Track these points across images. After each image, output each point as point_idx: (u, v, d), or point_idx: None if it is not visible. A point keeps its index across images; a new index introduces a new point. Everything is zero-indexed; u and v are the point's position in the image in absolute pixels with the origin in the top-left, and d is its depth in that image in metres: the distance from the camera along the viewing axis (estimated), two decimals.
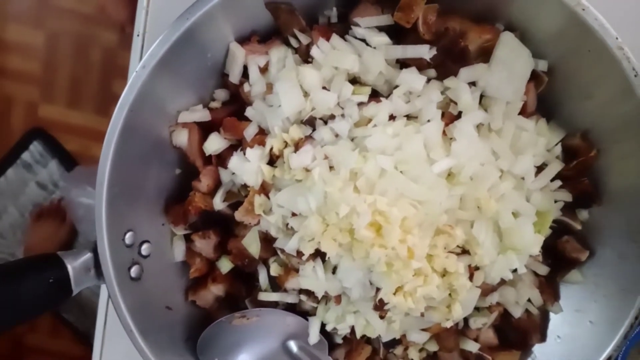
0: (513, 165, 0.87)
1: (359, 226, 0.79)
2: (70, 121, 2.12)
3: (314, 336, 0.94)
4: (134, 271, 0.89)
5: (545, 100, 0.91)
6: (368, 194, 0.81)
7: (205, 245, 0.95)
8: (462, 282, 0.85)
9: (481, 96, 0.88)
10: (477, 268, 0.89)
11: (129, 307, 0.86)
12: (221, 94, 0.93)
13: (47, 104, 2.10)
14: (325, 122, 0.87)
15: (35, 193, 2.16)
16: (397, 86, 0.86)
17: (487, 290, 0.92)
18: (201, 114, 0.91)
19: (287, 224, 0.87)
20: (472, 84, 0.87)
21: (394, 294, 0.83)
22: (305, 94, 0.86)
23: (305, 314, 0.97)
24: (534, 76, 0.88)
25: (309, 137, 0.87)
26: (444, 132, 0.86)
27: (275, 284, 0.96)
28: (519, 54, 0.86)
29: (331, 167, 0.84)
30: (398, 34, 0.88)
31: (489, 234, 0.86)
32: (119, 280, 0.85)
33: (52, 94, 2.11)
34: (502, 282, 0.92)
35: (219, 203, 0.92)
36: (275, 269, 0.94)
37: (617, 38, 0.80)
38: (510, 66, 0.86)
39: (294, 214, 0.86)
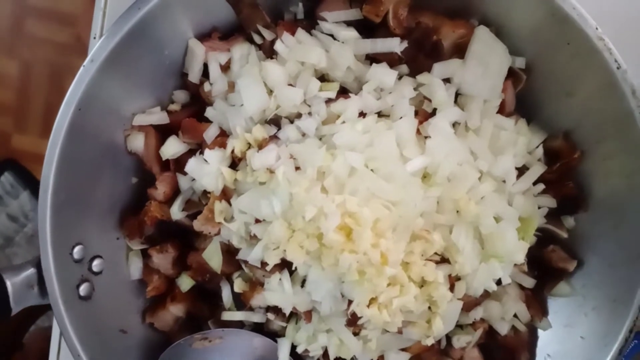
0: (493, 166, 0.81)
1: (327, 229, 0.72)
2: (43, 151, 2.02)
3: (284, 359, 0.85)
4: (83, 289, 0.80)
5: (524, 100, 0.86)
6: (337, 194, 0.74)
7: (163, 260, 0.86)
8: (442, 293, 0.77)
9: (457, 94, 0.82)
10: (458, 278, 0.81)
11: (77, 330, 0.77)
12: (181, 96, 0.86)
13: (20, 134, 2.02)
14: (292, 122, 0.81)
15: (5, 225, 2.05)
16: (367, 82, 0.81)
17: (470, 303, 0.84)
18: (159, 117, 0.84)
19: (251, 232, 0.79)
20: (447, 80, 0.82)
21: (368, 306, 0.75)
22: (270, 92, 0.80)
23: (274, 335, 0.88)
24: (512, 74, 0.83)
25: (274, 137, 0.80)
26: (418, 131, 0.79)
27: (240, 302, 0.87)
28: (495, 50, 0.81)
29: (297, 168, 0.77)
30: (367, 29, 0.83)
31: (470, 240, 0.79)
32: (66, 299, 0.77)
33: (26, 124, 2.04)
34: (486, 295, 0.84)
35: (177, 212, 0.84)
36: (239, 285, 0.85)
37: (597, 28, 0.75)
38: (486, 62, 0.81)
39: (257, 220, 0.79)
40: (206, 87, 0.84)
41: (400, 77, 0.81)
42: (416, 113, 0.80)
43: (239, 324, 0.88)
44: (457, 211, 0.79)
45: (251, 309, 0.86)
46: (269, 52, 0.83)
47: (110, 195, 0.85)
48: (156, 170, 0.85)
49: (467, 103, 0.82)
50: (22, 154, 2.05)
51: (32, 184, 2.05)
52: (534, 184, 0.85)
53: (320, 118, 0.79)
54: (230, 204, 0.80)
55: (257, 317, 0.87)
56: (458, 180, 0.79)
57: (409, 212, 0.75)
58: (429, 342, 0.81)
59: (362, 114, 0.80)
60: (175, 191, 0.86)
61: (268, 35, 0.83)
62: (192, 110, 0.86)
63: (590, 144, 0.83)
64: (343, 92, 0.82)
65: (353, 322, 0.78)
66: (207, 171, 0.80)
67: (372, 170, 0.76)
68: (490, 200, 0.80)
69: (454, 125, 0.81)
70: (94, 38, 0.98)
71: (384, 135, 0.76)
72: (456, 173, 0.79)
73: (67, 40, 2.08)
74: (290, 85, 0.80)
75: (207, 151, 0.80)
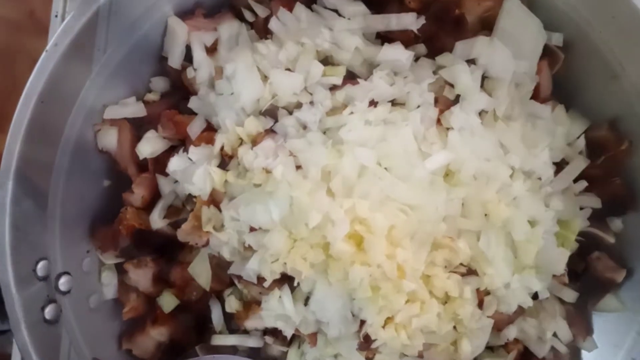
0: (526, 161, 0.83)
1: (334, 239, 0.74)
2: None
3: None
4: (49, 312, 0.82)
5: (563, 83, 0.88)
6: (345, 197, 0.76)
7: (141, 276, 0.89)
8: (469, 311, 0.80)
9: (483, 78, 0.85)
10: (487, 293, 0.84)
11: (42, 358, 0.78)
12: (159, 83, 0.89)
13: None
14: (290, 112, 0.83)
15: None
16: (378, 65, 0.83)
17: (501, 321, 0.86)
18: (134, 109, 0.87)
19: (244, 243, 0.81)
20: (472, 62, 0.84)
21: (383, 326, 0.78)
22: (264, 78, 0.82)
23: None
24: (548, 52, 0.86)
25: (270, 131, 0.82)
26: (438, 121, 0.82)
27: (233, 324, 0.90)
28: (528, 26, 0.84)
29: (298, 167, 0.79)
30: (377, 4, 0.86)
31: (500, 248, 0.82)
32: (29, 323, 0.78)
33: None
34: (521, 311, 0.87)
35: (157, 220, 0.87)
36: (231, 304, 0.88)
37: None
38: (517, 40, 0.83)
39: (252, 229, 0.81)
40: (189, 73, 0.85)
41: (416, 59, 0.83)
42: (436, 101, 0.82)
43: (232, 350, 0.90)
44: (486, 215, 0.81)
45: (246, 332, 0.89)
46: (262, 31, 0.85)
47: (79, 202, 0.87)
48: (132, 172, 0.87)
49: (496, 88, 0.84)
50: None
51: None
52: (575, 181, 0.87)
53: (324, 108, 0.81)
54: (220, 210, 0.82)
55: (252, 342, 0.89)
56: (486, 179, 0.81)
57: (430, 217, 0.78)
58: None
59: (373, 103, 0.81)
60: (155, 195, 0.88)
61: (261, 11, 0.85)
62: (173, 101, 0.88)
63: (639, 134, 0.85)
64: (350, 77, 0.84)
65: (366, 345, 0.80)
66: (192, 172, 0.82)
67: (385, 169, 0.78)
68: (524, 201, 0.82)
69: (481, 114, 0.83)
70: (56, 17, 1.01)
71: (399, 128, 0.78)
72: (484, 170, 0.81)
73: (17, 16, 2.09)
74: (288, 70, 0.82)
75: (191, 148, 0.82)
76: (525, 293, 0.83)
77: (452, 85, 0.83)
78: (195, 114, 0.85)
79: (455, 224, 0.81)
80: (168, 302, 0.90)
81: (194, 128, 0.84)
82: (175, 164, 0.84)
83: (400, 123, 0.80)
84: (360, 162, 0.77)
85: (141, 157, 0.86)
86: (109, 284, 0.90)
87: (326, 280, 0.78)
